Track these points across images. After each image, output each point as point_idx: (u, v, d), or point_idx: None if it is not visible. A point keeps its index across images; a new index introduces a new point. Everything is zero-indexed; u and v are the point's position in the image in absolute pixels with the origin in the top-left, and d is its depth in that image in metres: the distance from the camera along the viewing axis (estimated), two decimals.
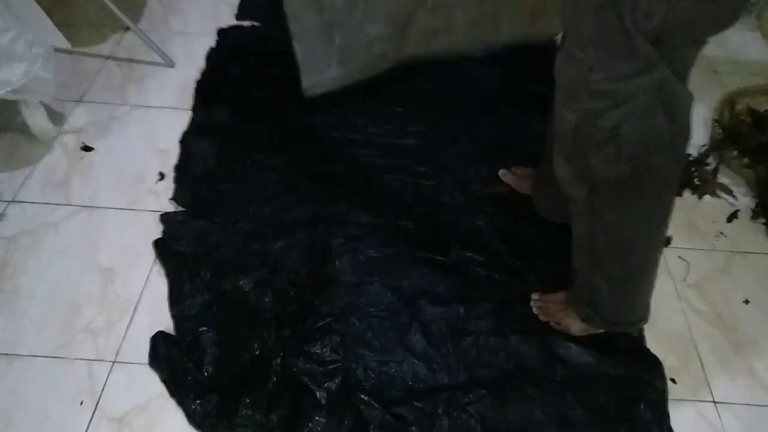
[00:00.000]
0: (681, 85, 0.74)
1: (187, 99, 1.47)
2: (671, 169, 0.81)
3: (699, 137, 1.46)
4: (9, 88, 1.13)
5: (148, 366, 0.98)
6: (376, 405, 0.94)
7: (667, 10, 0.63)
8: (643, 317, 0.99)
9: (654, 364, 1.02)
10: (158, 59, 1.56)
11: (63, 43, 1.24)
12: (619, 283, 0.93)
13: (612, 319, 0.98)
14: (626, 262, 0.90)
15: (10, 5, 1.11)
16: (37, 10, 1.18)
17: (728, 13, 0.66)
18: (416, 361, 1.01)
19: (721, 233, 1.26)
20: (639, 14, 0.64)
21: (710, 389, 1.02)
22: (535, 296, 1.10)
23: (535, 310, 1.08)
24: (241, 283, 1.08)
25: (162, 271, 1.11)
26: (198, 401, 0.93)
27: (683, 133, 0.77)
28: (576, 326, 1.03)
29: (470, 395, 0.96)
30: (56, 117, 1.38)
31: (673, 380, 1.02)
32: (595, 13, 0.67)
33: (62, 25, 1.25)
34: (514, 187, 1.29)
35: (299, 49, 1.26)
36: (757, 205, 1.31)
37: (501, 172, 1.31)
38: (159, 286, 1.09)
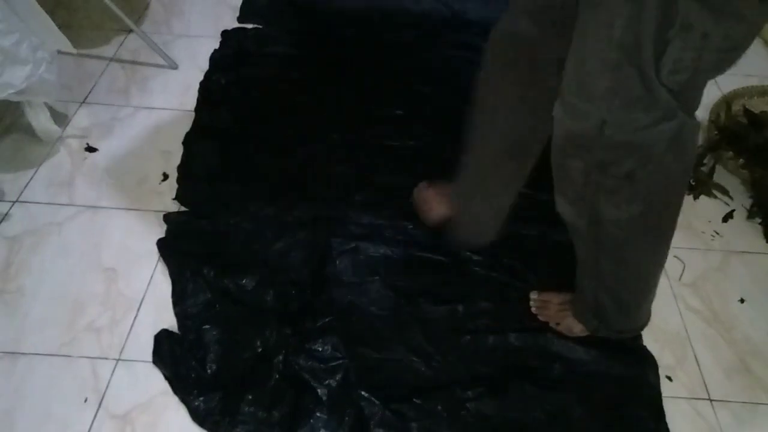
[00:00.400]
0: (693, 122, 0.71)
1: (189, 100, 1.49)
2: (680, 199, 0.81)
3: None
4: (12, 91, 1.14)
5: (151, 364, 1.00)
6: (377, 402, 0.96)
7: (697, 65, 0.61)
8: (647, 322, 1.01)
9: (650, 362, 1.04)
10: (161, 61, 1.58)
11: (67, 46, 1.26)
12: (627, 302, 0.94)
13: (618, 328, 0.99)
14: (633, 285, 0.90)
15: (15, 8, 1.13)
16: (41, 13, 1.19)
17: (744, 52, 0.65)
18: (416, 359, 1.02)
19: (716, 233, 1.28)
20: (666, 70, 0.62)
21: (706, 387, 1.03)
22: (534, 295, 1.10)
23: (534, 310, 1.08)
24: (243, 282, 1.10)
25: (165, 271, 1.12)
26: (201, 398, 0.95)
27: (691, 164, 0.76)
28: (577, 327, 1.03)
29: (469, 392, 0.98)
30: (60, 118, 1.39)
31: (669, 378, 1.03)
32: (611, 70, 0.64)
33: (65, 27, 1.26)
34: (426, 205, 1.18)
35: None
36: (753, 205, 1.32)
37: (416, 189, 1.21)
38: (162, 285, 1.11)
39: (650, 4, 0.57)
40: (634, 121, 0.67)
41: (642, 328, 1.03)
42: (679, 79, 0.63)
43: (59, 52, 1.28)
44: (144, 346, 1.01)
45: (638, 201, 0.75)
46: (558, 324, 1.05)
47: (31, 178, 1.28)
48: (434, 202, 1.17)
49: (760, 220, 1.30)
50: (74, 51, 1.24)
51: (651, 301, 0.99)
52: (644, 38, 0.59)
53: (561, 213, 0.84)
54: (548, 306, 1.07)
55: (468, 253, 1.17)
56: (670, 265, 1.21)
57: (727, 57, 0.64)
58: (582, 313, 1.01)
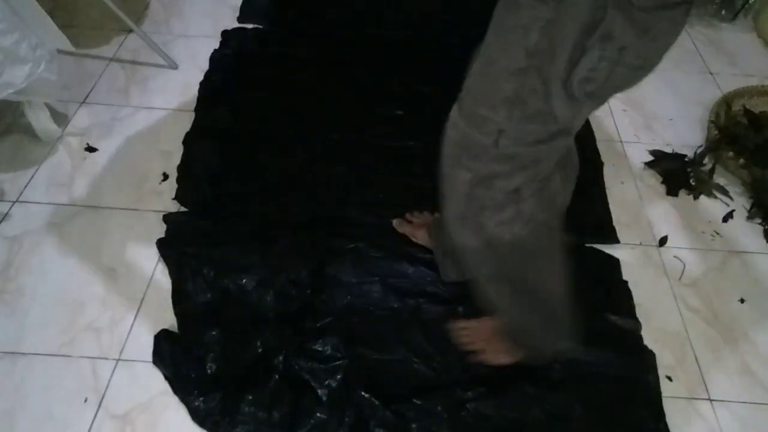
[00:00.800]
0: (575, 148, 0.72)
1: (189, 100, 1.49)
2: (560, 223, 0.80)
3: (695, 138, 1.48)
4: (12, 90, 1.14)
5: (151, 364, 1.00)
6: (377, 402, 0.96)
7: (609, 74, 0.60)
8: (573, 344, 0.96)
9: (650, 362, 1.04)
10: (161, 61, 1.58)
11: (66, 44, 1.26)
12: (536, 322, 0.90)
13: (538, 349, 0.96)
14: (537, 305, 0.88)
15: (14, 7, 1.13)
16: (40, 12, 1.19)
17: (646, 75, 0.65)
18: (416, 359, 1.02)
19: (716, 233, 1.28)
20: (578, 78, 0.61)
21: (706, 387, 1.03)
22: (459, 324, 1.05)
23: (457, 338, 1.03)
24: (243, 282, 1.10)
25: (165, 271, 1.13)
26: (201, 399, 0.95)
27: (571, 190, 0.76)
28: (503, 358, 0.99)
29: (469, 393, 0.98)
30: (60, 118, 1.39)
31: (669, 378, 1.03)
32: (515, 74, 0.62)
33: (65, 28, 1.26)
34: (410, 237, 1.17)
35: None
36: (753, 205, 1.32)
37: (395, 222, 1.19)
38: (162, 285, 1.11)
39: (580, 9, 0.56)
40: (531, 134, 0.66)
41: (562, 353, 0.98)
42: (588, 88, 0.62)
43: (59, 51, 1.28)
44: (144, 346, 1.01)
45: (522, 222, 0.74)
46: (484, 352, 1.01)
47: (31, 178, 1.28)
48: (416, 231, 1.17)
49: (760, 220, 1.30)
50: (73, 49, 1.23)
51: (569, 322, 0.92)
52: (561, 44, 0.59)
53: (455, 236, 0.81)
54: (471, 332, 1.03)
55: None
56: (671, 265, 1.21)
57: (635, 74, 0.63)
58: (499, 337, 0.97)
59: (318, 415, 0.94)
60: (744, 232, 1.28)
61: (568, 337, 0.94)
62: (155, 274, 1.13)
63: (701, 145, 1.44)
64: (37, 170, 1.30)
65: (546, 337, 0.94)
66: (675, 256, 1.22)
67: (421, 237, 1.16)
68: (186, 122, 1.42)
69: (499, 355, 1.00)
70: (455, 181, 0.75)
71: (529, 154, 0.68)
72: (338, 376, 0.98)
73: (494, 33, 0.65)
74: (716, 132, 1.43)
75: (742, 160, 1.38)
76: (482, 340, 1.01)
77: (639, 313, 1.11)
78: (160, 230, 1.19)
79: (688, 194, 1.35)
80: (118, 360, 1.00)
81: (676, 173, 1.38)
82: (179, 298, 1.08)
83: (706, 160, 1.40)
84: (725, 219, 1.30)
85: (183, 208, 1.24)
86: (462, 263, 0.88)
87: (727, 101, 1.51)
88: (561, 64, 0.60)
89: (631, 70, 0.61)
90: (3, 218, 1.20)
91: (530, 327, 0.92)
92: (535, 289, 0.86)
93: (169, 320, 1.05)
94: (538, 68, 0.61)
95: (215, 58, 1.61)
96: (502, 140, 0.67)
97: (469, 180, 0.72)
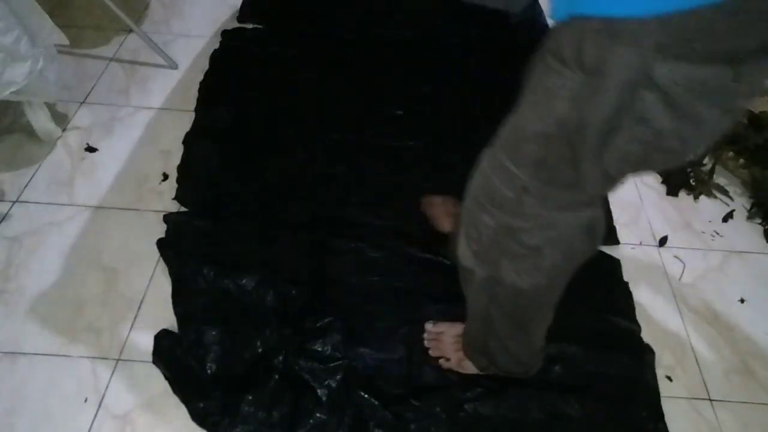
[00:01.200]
0: (601, 213, 0.69)
1: (189, 100, 1.49)
2: (571, 275, 0.78)
3: None
4: (14, 88, 1.14)
5: (151, 364, 1.00)
6: (376, 403, 0.96)
7: (645, 158, 0.56)
8: (539, 367, 0.97)
9: (649, 362, 1.04)
10: (161, 61, 1.58)
11: (61, 39, 1.24)
12: (516, 353, 0.90)
13: (507, 370, 0.95)
14: (522, 340, 0.87)
15: (11, 5, 1.12)
16: (35, 6, 1.18)
17: (693, 157, 0.62)
18: (415, 360, 1.02)
19: (716, 233, 1.28)
20: (610, 156, 0.56)
21: (706, 387, 1.03)
22: (429, 326, 1.04)
23: (426, 343, 1.03)
24: (243, 282, 1.10)
25: (165, 271, 1.12)
26: (201, 398, 0.95)
27: (594, 252, 0.74)
28: (467, 363, 0.99)
29: (468, 393, 0.98)
30: (60, 118, 1.39)
31: (669, 378, 1.03)
32: (543, 138, 0.59)
33: (65, 27, 1.26)
34: (433, 221, 1.16)
35: None
36: (753, 205, 1.32)
37: (424, 201, 1.20)
38: (162, 285, 1.11)
39: (610, 86, 0.51)
40: (555, 200, 0.63)
41: (533, 373, 0.97)
42: (624, 169, 0.59)
43: (59, 51, 1.28)
44: (144, 346, 1.01)
45: (540, 275, 0.72)
46: (448, 360, 1.00)
47: (31, 178, 1.28)
48: (441, 218, 1.17)
49: (760, 220, 1.30)
50: (67, 42, 1.23)
51: (542, 351, 0.94)
52: (591, 117, 0.54)
53: (461, 257, 0.79)
54: (442, 339, 1.02)
55: None
56: (671, 265, 1.21)
57: (675, 158, 0.59)
58: (471, 351, 0.97)
59: (318, 415, 0.94)
60: (744, 232, 1.28)
61: (537, 361, 0.94)
62: (155, 274, 1.13)
63: None
64: (37, 170, 1.30)
65: (512, 363, 0.93)
66: (675, 256, 1.22)
67: (445, 225, 1.15)
68: (186, 122, 1.42)
69: (463, 364, 0.99)
70: (479, 222, 0.72)
71: (551, 218, 0.65)
72: (338, 376, 0.98)
73: (528, 89, 0.61)
74: None
75: (742, 160, 1.38)
76: (449, 345, 1.00)
77: (639, 314, 1.11)
78: (160, 230, 1.19)
79: (688, 194, 1.35)
80: (118, 360, 1.00)
81: (675, 173, 1.38)
82: (179, 298, 1.08)
83: (706, 160, 1.40)
84: (725, 219, 1.30)
85: (183, 208, 1.24)
86: (461, 276, 0.86)
87: None
88: (592, 138, 0.56)
89: (669, 154, 0.56)
90: (3, 218, 1.20)
91: (504, 355, 0.91)
92: (520, 328, 0.84)
93: (169, 320, 1.05)
94: (567, 137, 0.57)
95: (215, 58, 1.61)
96: (526, 198, 0.64)
97: (492, 226, 0.70)
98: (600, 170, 0.58)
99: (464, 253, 0.78)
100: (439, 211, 1.18)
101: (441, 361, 1.01)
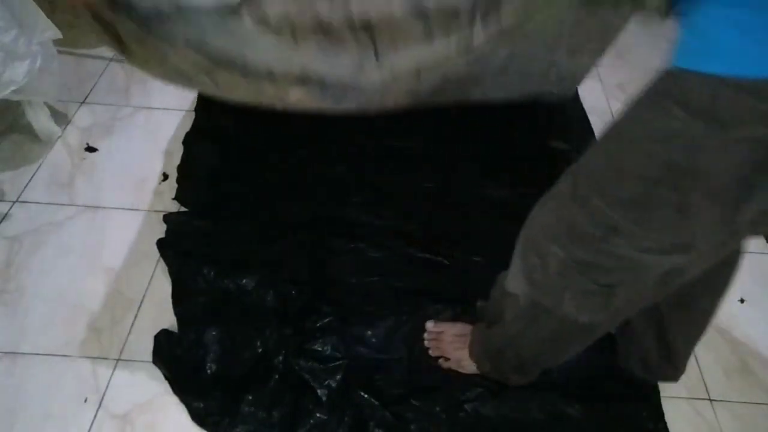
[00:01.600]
0: (687, 261, 0.65)
1: (189, 100, 1.49)
2: None
3: None
4: (14, 87, 1.14)
5: (151, 364, 1.00)
6: (376, 403, 0.96)
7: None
8: (536, 377, 0.95)
9: None
10: None
11: (55, 33, 1.24)
12: (528, 365, 0.89)
13: (511, 378, 0.95)
14: (545, 360, 0.87)
15: (7, 2, 1.11)
16: (30, 2, 1.17)
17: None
18: (415, 360, 1.02)
19: None
20: (745, 216, 0.52)
21: (706, 387, 1.03)
22: (429, 325, 1.03)
23: (426, 343, 1.02)
24: (243, 282, 1.10)
25: (165, 271, 1.12)
26: (201, 398, 0.95)
27: (665, 295, 0.72)
28: (467, 363, 0.97)
29: (467, 393, 0.98)
30: (60, 118, 1.39)
31: None
32: (645, 180, 0.54)
33: (66, 28, 1.26)
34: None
35: None
36: None
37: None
38: (162, 285, 1.11)
39: (745, 144, 0.48)
40: (650, 242, 0.58)
41: (530, 382, 0.95)
42: (761, 230, 0.58)
43: (59, 52, 1.28)
44: (144, 346, 1.01)
45: (603, 313, 0.67)
46: (448, 360, 0.99)
47: (31, 178, 1.28)
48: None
49: None
50: (60, 36, 1.21)
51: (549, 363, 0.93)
52: (715, 169, 0.51)
53: (509, 282, 0.76)
54: (442, 338, 1.01)
55: (468, 254, 1.17)
56: None
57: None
58: (478, 353, 0.95)
59: (318, 415, 0.94)
60: None
61: (536, 374, 0.93)
62: (155, 274, 1.13)
63: None
64: (37, 170, 1.30)
65: (519, 374, 0.93)
66: None
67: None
68: (186, 122, 1.42)
69: (463, 364, 0.98)
70: (546, 253, 0.67)
71: (639, 260, 0.60)
72: (338, 376, 0.98)
73: (625, 127, 0.57)
74: None
75: None
76: (449, 344, 1.00)
77: None
78: (160, 230, 1.19)
79: None
80: (118, 360, 1.01)
81: None
82: (179, 298, 1.08)
83: None
84: None
85: (183, 208, 1.24)
86: (494, 296, 0.83)
87: None
88: (718, 191, 0.51)
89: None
90: (3, 218, 1.20)
91: (509, 361, 0.90)
92: (552, 353, 0.83)
93: (169, 320, 1.05)
94: (675, 182, 0.53)
95: None
96: (614, 238, 0.59)
97: (561, 259, 0.65)
98: (730, 230, 0.55)
99: (516, 279, 0.74)
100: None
101: (441, 360, 1.01)
